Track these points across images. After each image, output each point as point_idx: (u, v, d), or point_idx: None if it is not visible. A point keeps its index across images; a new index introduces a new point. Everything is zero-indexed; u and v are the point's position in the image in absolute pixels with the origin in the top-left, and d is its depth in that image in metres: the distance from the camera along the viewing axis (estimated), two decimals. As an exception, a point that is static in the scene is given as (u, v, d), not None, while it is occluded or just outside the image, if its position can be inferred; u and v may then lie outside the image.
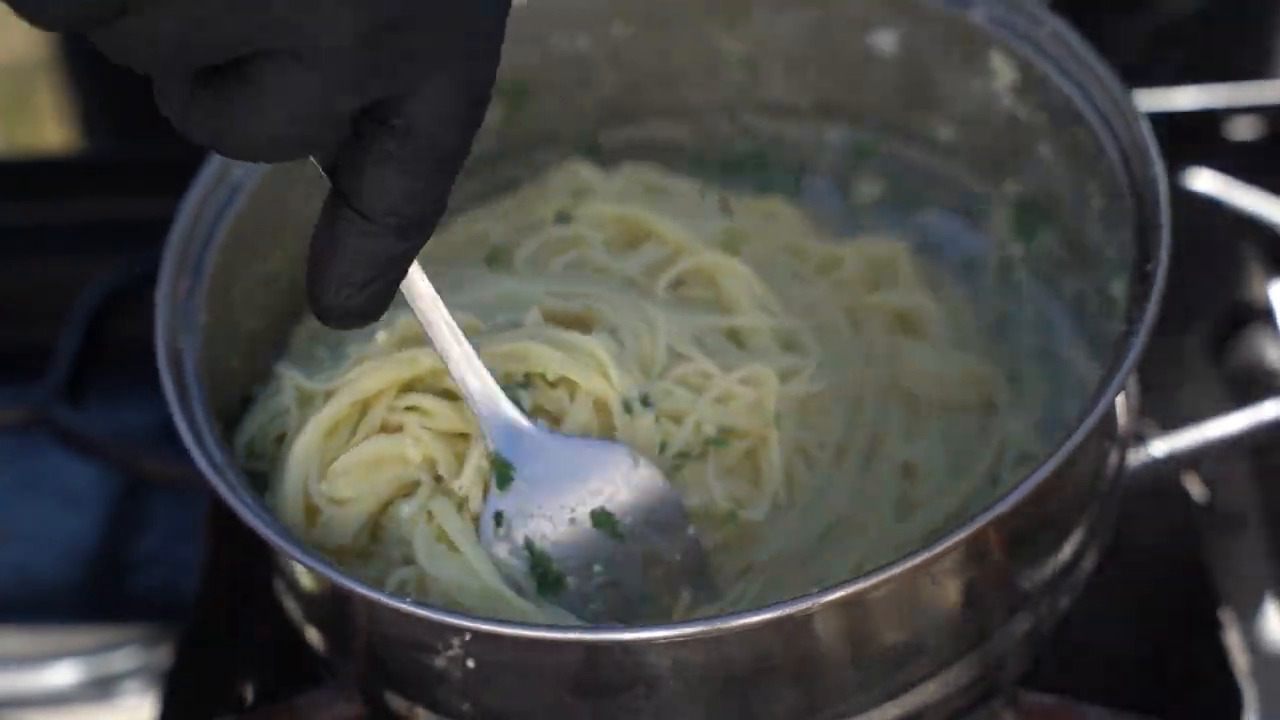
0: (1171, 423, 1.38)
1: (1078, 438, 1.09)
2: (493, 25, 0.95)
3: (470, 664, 1.11)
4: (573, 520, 1.16)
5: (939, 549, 1.06)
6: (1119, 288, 1.29)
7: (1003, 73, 1.35)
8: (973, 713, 1.19)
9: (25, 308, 1.67)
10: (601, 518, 1.16)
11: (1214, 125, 1.59)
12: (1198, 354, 1.53)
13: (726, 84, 1.46)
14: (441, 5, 0.91)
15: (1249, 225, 1.46)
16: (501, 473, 1.15)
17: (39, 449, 1.55)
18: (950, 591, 1.12)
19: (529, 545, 1.16)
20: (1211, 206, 1.46)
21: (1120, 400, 1.22)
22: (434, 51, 0.92)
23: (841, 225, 1.42)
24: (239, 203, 1.29)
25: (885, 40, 1.41)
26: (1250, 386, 1.46)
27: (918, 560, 1.05)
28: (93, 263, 1.51)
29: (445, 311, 1.10)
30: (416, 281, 1.08)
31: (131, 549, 1.58)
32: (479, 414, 1.14)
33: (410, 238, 0.98)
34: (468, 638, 1.09)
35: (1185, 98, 1.59)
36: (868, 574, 1.05)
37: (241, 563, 1.29)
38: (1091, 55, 1.30)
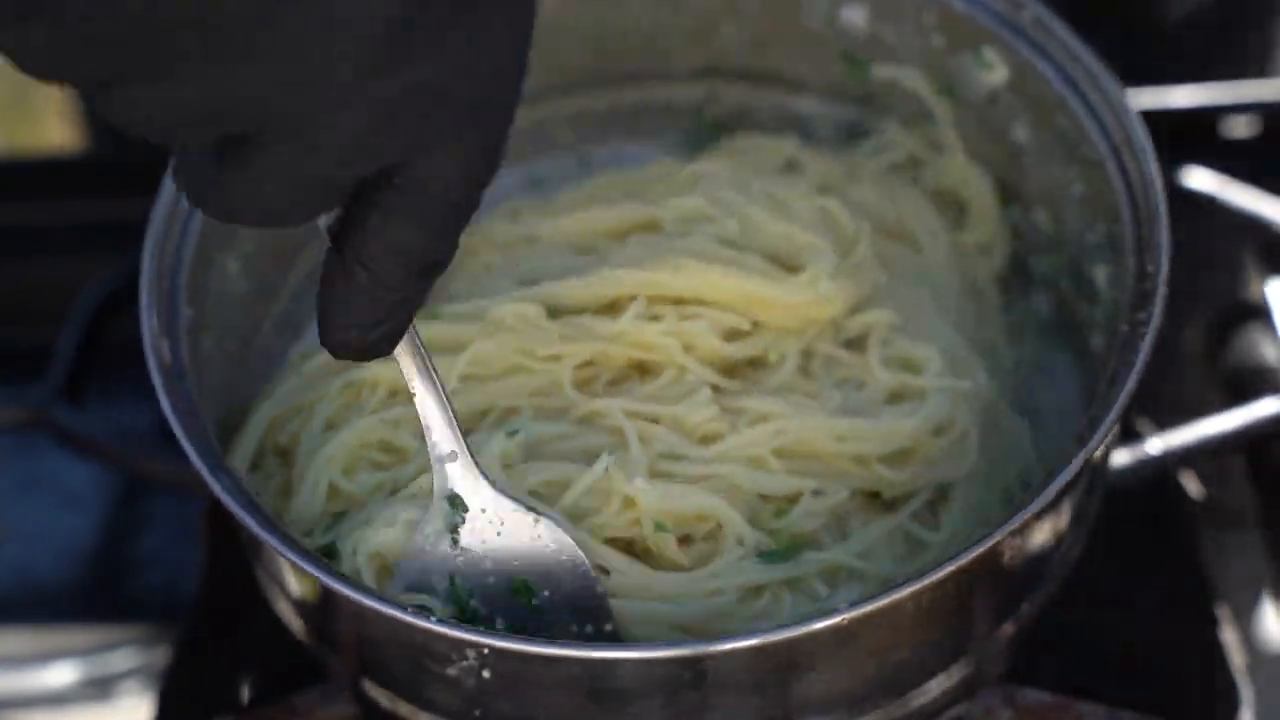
0: (1168, 420, 1.38)
1: (1067, 475, 1.09)
2: (511, 85, 0.92)
3: (486, 675, 1.10)
4: (493, 580, 1.15)
5: (929, 580, 1.06)
6: (1102, 274, 1.29)
7: (990, 62, 1.35)
8: (957, 706, 1.19)
9: (25, 308, 1.67)
10: (520, 587, 1.15)
11: (1211, 123, 1.59)
12: (1194, 352, 1.53)
13: (700, 51, 1.47)
14: (460, 72, 0.88)
15: (1246, 223, 1.46)
16: (455, 507, 1.14)
17: (39, 449, 1.55)
18: (939, 612, 1.12)
19: (451, 579, 1.15)
20: (1208, 205, 1.46)
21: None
22: (450, 120, 0.90)
23: None
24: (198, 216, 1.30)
25: (856, 16, 1.41)
26: (1247, 384, 1.46)
27: (912, 588, 1.06)
28: (93, 263, 1.51)
29: (425, 352, 1.09)
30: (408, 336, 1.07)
31: (131, 549, 1.58)
32: (436, 456, 1.13)
33: (417, 284, 0.97)
34: (485, 652, 1.09)
35: (1183, 96, 1.59)
36: (880, 595, 1.06)
37: (240, 563, 1.29)
38: (1080, 46, 1.30)
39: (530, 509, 1.14)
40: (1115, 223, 1.24)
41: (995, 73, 1.36)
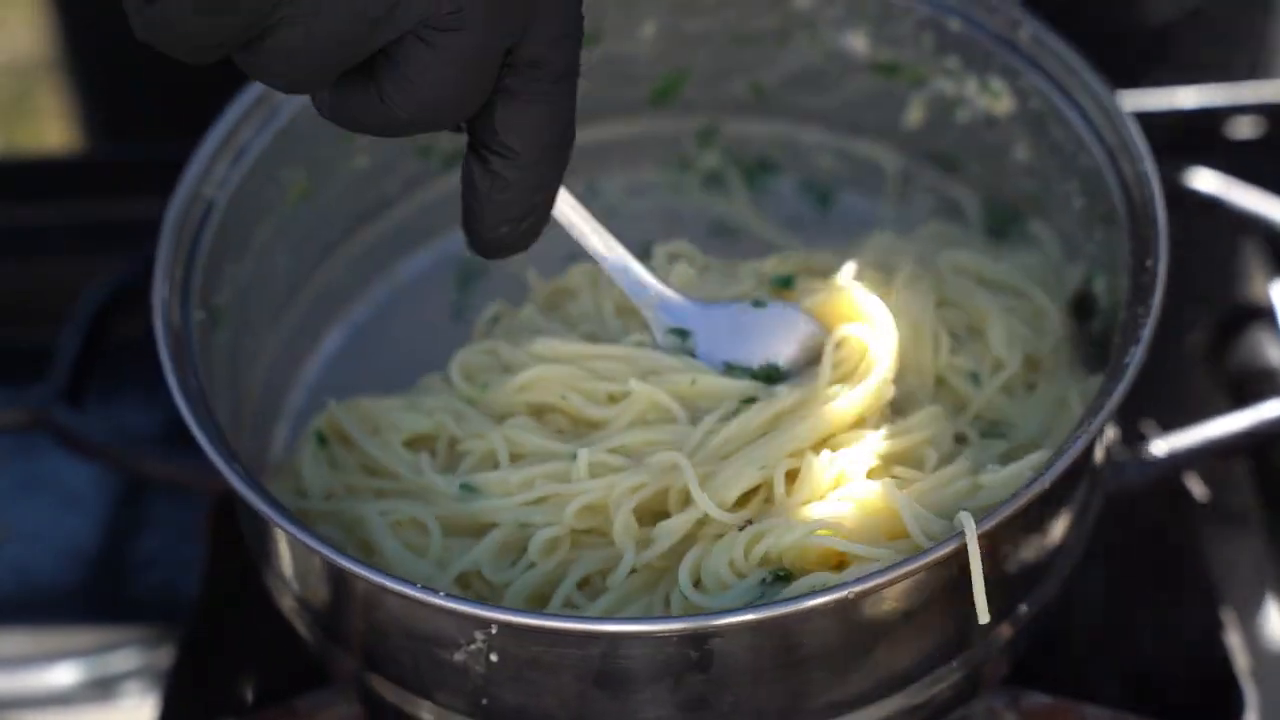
0: (1172, 422, 1.38)
1: (1061, 465, 1.10)
2: None
3: (493, 658, 1.10)
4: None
5: (925, 560, 1.06)
6: (1101, 284, 1.29)
7: (997, 90, 1.36)
8: (957, 710, 1.19)
9: (25, 308, 1.67)
10: (771, 371, 1.22)
11: (1214, 124, 1.59)
12: (1198, 353, 1.53)
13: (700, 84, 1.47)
14: None
15: (1249, 224, 1.46)
16: (679, 336, 1.24)
17: (39, 450, 1.55)
18: (938, 599, 1.12)
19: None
20: (1212, 206, 1.46)
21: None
22: None
23: (812, 226, 1.45)
24: (214, 219, 1.31)
25: (857, 43, 1.41)
26: (1251, 386, 1.46)
27: (907, 568, 1.06)
28: (93, 263, 1.51)
29: (588, 215, 1.19)
30: (560, 203, 1.16)
31: (131, 550, 1.58)
32: (640, 296, 1.22)
33: (556, 164, 1.06)
34: (493, 630, 1.09)
35: (1186, 97, 1.59)
36: (861, 579, 1.06)
37: (241, 563, 1.29)
38: (1072, 55, 1.31)
39: (752, 301, 1.24)
40: (1108, 228, 1.25)
41: (1001, 101, 1.37)
